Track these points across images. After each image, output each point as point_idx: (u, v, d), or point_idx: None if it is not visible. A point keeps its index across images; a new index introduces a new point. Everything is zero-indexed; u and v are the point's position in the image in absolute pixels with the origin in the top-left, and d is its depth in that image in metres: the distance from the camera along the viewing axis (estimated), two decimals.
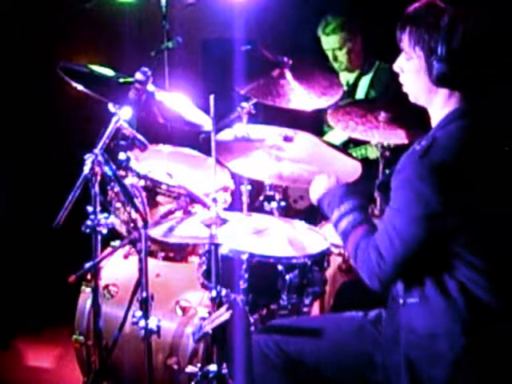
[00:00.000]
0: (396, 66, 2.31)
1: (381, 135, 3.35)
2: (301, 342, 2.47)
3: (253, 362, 2.52)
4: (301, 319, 2.77)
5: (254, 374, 2.53)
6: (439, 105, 2.25)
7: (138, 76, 2.70)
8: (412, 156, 2.17)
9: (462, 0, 2.20)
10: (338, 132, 4.04)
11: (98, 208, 2.59)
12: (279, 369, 2.46)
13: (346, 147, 4.16)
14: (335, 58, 4.30)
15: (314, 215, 3.69)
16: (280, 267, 2.73)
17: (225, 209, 2.97)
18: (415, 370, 2.21)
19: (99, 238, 2.63)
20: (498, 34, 2.20)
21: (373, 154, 4.07)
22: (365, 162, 3.41)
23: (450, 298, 2.17)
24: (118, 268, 3.23)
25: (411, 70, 2.25)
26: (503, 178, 2.22)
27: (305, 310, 2.86)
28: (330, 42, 4.27)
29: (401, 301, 2.26)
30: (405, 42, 2.23)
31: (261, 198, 3.49)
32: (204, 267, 2.81)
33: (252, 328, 2.63)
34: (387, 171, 3.29)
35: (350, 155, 3.16)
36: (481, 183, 2.16)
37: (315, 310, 3.16)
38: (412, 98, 2.32)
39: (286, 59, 3.34)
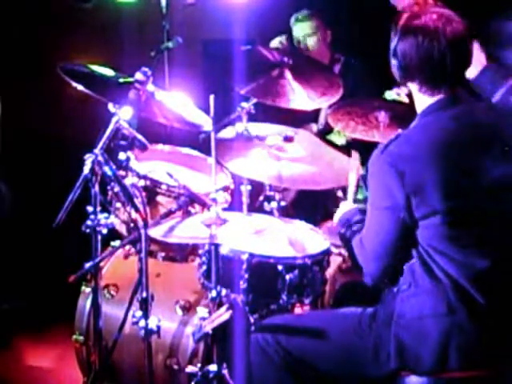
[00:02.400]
0: None
1: (381, 135, 3.35)
2: (300, 339, 2.48)
3: (251, 360, 2.53)
4: (300, 316, 2.78)
5: (253, 370, 2.53)
6: (421, 101, 2.34)
7: (138, 76, 2.71)
8: (374, 153, 2.29)
9: None
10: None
11: (98, 208, 2.60)
12: (278, 365, 2.46)
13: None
14: (306, 47, 4.37)
15: (314, 215, 3.69)
16: (280, 267, 2.73)
17: (225, 209, 2.96)
18: (404, 349, 2.28)
19: (99, 237, 2.64)
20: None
21: (339, 140, 4.11)
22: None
23: (437, 280, 2.26)
24: (118, 268, 3.22)
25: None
26: (468, 170, 2.24)
27: (304, 309, 2.87)
28: (303, 27, 4.38)
29: (395, 289, 2.36)
30: None
31: (261, 198, 3.49)
32: (204, 267, 2.81)
33: (252, 328, 2.63)
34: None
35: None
36: (440, 176, 2.20)
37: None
38: None
39: (286, 59, 3.34)
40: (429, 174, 2.20)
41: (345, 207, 2.69)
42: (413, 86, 2.34)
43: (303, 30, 4.40)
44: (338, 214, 2.68)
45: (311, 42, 4.39)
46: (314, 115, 4.37)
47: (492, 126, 2.31)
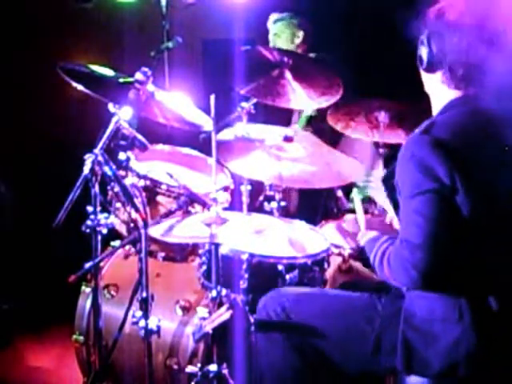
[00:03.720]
0: None
1: (381, 135, 3.35)
2: (310, 319, 2.45)
3: (257, 343, 2.52)
4: (313, 291, 2.68)
5: (260, 349, 2.52)
6: (441, 94, 2.30)
7: (138, 76, 2.71)
8: (414, 136, 2.21)
9: None
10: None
11: (98, 208, 2.60)
12: (285, 344, 2.45)
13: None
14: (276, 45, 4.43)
15: (314, 215, 3.69)
16: (280, 267, 2.73)
17: (225, 209, 2.97)
18: (411, 350, 2.25)
19: (99, 237, 2.63)
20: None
21: (309, 110, 4.14)
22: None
23: (451, 285, 2.20)
24: (118, 268, 3.22)
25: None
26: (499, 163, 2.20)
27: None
28: (271, 28, 4.43)
29: (404, 288, 2.31)
30: None
31: (261, 198, 3.49)
32: (204, 267, 2.81)
33: (252, 328, 2.63)
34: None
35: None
36: (480, 164, 2.16)
37: None
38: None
39: (285, 59, 3.34)
40: (471, 157, 2.14)
41: (364, 238, 2.50)
42: (435, 76, 2.29)
43: (271, 31, 4.47)
44: (364, 241, 2.49)
45: (278, 42, 4.44)
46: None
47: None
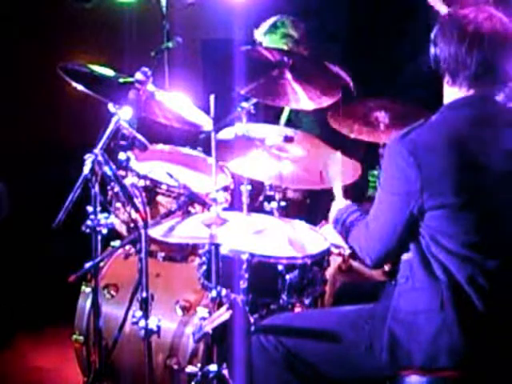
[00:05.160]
0: None
1: (383, 135, 3.36)
2: (300, 338, 2.47)
3: (253, 359, 2.52)
4: (300, 314, 2.77)
5: (255, 370, 2.53)
6: (446, 94, 2.34)
7: (138, 76, 2.71)
8: (395, 136, 2.28)
9: None
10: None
11: (98, 208, 2.60)
12: (279, 363, 2.46)
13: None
14: None
15: (314, 215, 3.69)
16: (280, 267, 2.73)
17: (225, 209, 2.96)
18: (396, 344, 2.28)
19: (99, 238, 2.63)
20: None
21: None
22: None
23: (434, 276, 2.25)
24: (118, 268, 3.22)
25: None
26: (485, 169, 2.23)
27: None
28: (268, 40, 4.32)
29: (393, 282, 2.39)
30: None
31: (261, 198, 3.49)
32: (204, 267, 2.81)
33: (252, 328, 2.63)
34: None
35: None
36: (457, 170, 2.20)
37: None
38: None
39: (286, 59, 3.34)
40: (443, 166, 2.20)
41: (336, 206, 2.70)
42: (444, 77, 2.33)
43: (263, 43, 4.28)
44: (332, 215, 2.68)
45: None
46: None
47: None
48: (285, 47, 4.16)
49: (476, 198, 2.21)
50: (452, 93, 2.31)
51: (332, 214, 2.68)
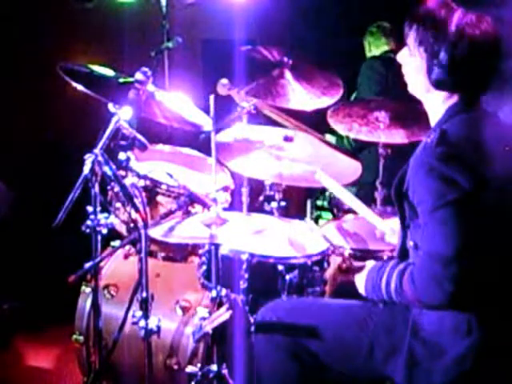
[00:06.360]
0: (399, 57, 2.33)
1: (383, 135, 3.36)
2: (306, 325, 2.44)
3: (256, 350, 2.51)
4: (309, 301, 2.71)
5: (258, 354, 2.51)
6: (438, 101, 2.27)
7: (138, 76, 2.70)
8: (427, 149, 2.16)
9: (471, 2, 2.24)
10: None
11: (98, 208, 2.60)
12: (283, 350, 2.43)
13: None
14: None
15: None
16: (280, 267, 2.73)
17: (225, 209, 2.96)
18: (416, 362, 2.21)
19: (99, 238, 2.64)
20: (500, 42, 2.21)
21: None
22: None
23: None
24: (118, 268, 3.22)
25: (412, 67, 2.28)
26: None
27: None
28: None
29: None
30: (410, 38, 2.25)
31: (261, 198, 3.49)
32: (204, 267, 2.80)
33: (252, 328, 2.63)
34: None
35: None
36: (493, 170, 2.13)
37: None
38: (410, 90, 2.35)
39: (285, 59, 3.34)
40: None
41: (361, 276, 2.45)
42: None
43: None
44: (361, 282, 2.42)
45: None
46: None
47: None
48: None
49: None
50: (440, 98, 2.26)
51: (361, 283, 2.43)
